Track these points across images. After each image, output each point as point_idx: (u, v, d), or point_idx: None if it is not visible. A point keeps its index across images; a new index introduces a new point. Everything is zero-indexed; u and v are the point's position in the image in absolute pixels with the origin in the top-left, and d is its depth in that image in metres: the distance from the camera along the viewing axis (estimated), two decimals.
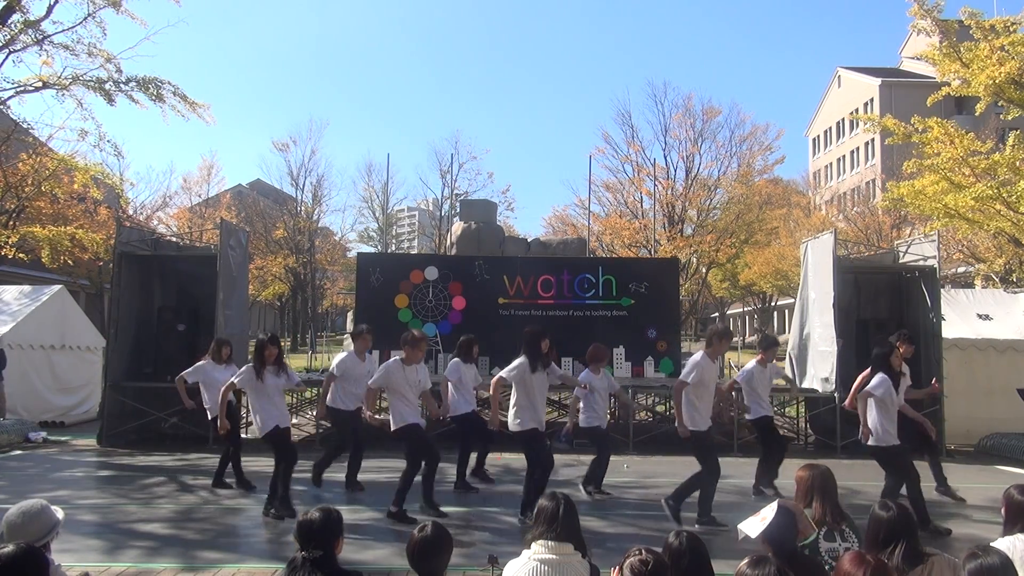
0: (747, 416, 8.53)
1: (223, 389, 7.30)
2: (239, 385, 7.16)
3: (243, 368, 7.28)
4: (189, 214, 36.70)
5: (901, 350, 7.26)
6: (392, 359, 7.09)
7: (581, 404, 8.17)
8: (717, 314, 55.50)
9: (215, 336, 11.12)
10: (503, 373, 6.99)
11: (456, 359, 8.62)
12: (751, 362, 8.60)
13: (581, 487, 8.13)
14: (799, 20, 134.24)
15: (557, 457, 10.02)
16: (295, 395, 15.23)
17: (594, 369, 8.15)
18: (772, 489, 8.30)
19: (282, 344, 7.69)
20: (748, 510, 3.76)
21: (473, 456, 8.63)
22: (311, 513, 3.20)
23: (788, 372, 13.37)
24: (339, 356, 8.45)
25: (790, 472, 4.87)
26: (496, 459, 9.65)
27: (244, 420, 12.25)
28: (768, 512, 3.28)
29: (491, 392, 7.24)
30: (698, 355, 7.04)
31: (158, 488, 8.52)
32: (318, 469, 8.22)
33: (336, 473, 8.55)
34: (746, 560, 2.77)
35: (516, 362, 6.91)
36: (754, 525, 3.24)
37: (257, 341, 7.34)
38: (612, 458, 8.47)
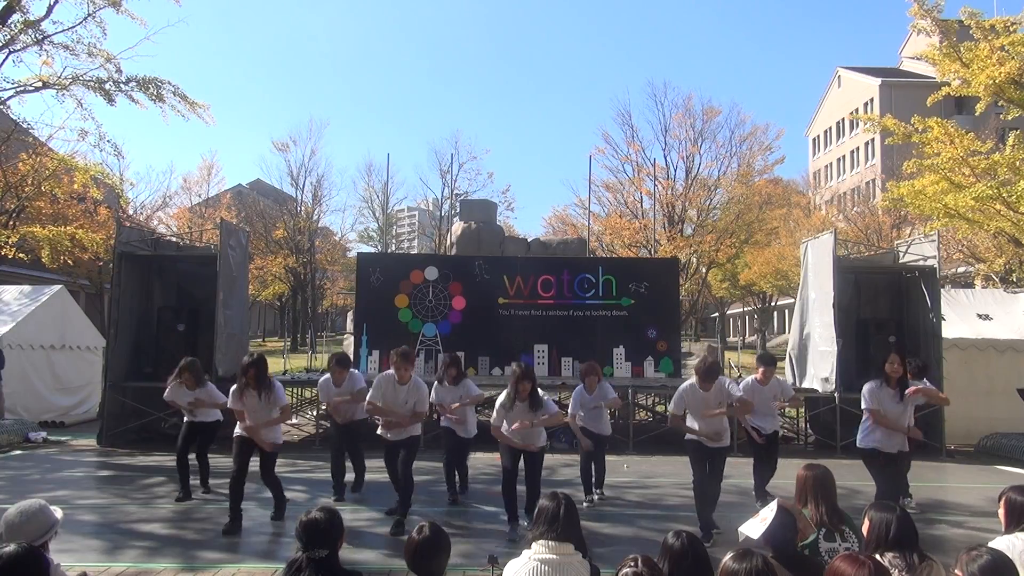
0: (749, 428, 8.09)
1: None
2: (231, 406, 6.93)
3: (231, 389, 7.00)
4: (189, 214, 36.68)
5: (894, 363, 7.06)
6: (386, 372, 6.99)
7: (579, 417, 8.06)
8: (717, 314, 55.51)
9: (215, 338, 11.17)
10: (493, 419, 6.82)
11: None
12: (751, 377, 8.45)
13: (595, 496, 8.07)
14: (799, 20, 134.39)
15: (557, 457, 10.07)
16: (295, 395, 15.23)
17: (588, 385, 7.97)
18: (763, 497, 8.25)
19: (265, 362, 7.12)
20: (748, 511, 3.76)
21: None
22: (314, 513, 3.19)
23: (788, 372, 13.38)
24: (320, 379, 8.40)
25: (789, 473, 4.86)
26: (495, 459, 9.64)
27: None
28: (768, 513, 3.28)
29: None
30: (686, 383, 6.90)
31: (158, 488, 8.51)
32: (357, 481, 8.22)
33: (326, 473, 8.56)
34: (730, 554, 2.75)
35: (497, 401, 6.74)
36: (755, 526, 3.22)
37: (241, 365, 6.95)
38: (612, 458, 8.41)
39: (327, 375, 8.24)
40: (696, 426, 6.80)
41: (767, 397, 8.07)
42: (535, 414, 6.56)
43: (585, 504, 7.78)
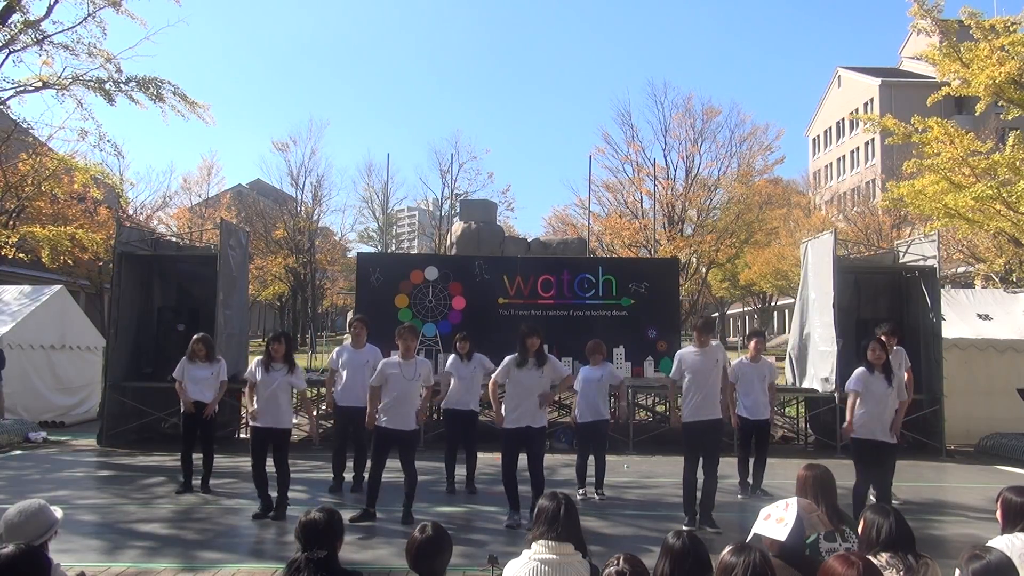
0: (739, 414, 8.39)
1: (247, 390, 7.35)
2: (248, 378, 7.32)
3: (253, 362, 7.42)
4: (189, 214, 36.66)
5: (884, 340, 7.15)
6: (386, 359, 7.13)
7: (577, 399, 8.19)
8: (717, 314, 55.54)
9: (215, 338, 11.18)
10: (494, 375, 7.11)
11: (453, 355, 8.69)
12: (741, 358, 8.63)
13: (594, 493, 8.12)
14: (799, 20, 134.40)
15: (557, 457, 10.07)
16: (294, 396, 15.23)
17: (593, 362, 8.20)
18: (746, 490, 8.34)
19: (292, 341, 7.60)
20: (749, 511, 3.75)
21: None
22: (313, 513, 3.19)
23: (788, 372, 13.38)
24: (336, 349, 8.63)
25: (790, 473, 4.87)
26: (495, 459, 9.64)
27: (243, 422, 12.25)
28: (781, 513, 3.24)
29: (490, 394, 7.27)
30: (683, 349, 7.25)
31: (158, 488, 8.51)
32: (357, 472, 8.28)
33: (326, 473, 8.62)
34: (729, 548, 2.74)
35: (505, 360, 6.96)
36: (774, 528, 3.18)
37: (267, 338, 7.48)
38: (612, 458, 8.45)
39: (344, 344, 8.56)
40: (692, 394, 6.85)
41: (756, 377, 8.29)
42: (541, 371, 6.79)
43: (579, 497, 7.90)
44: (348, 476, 8.41)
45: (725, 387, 7.29)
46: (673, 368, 7.13)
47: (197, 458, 8.25)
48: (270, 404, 7.08)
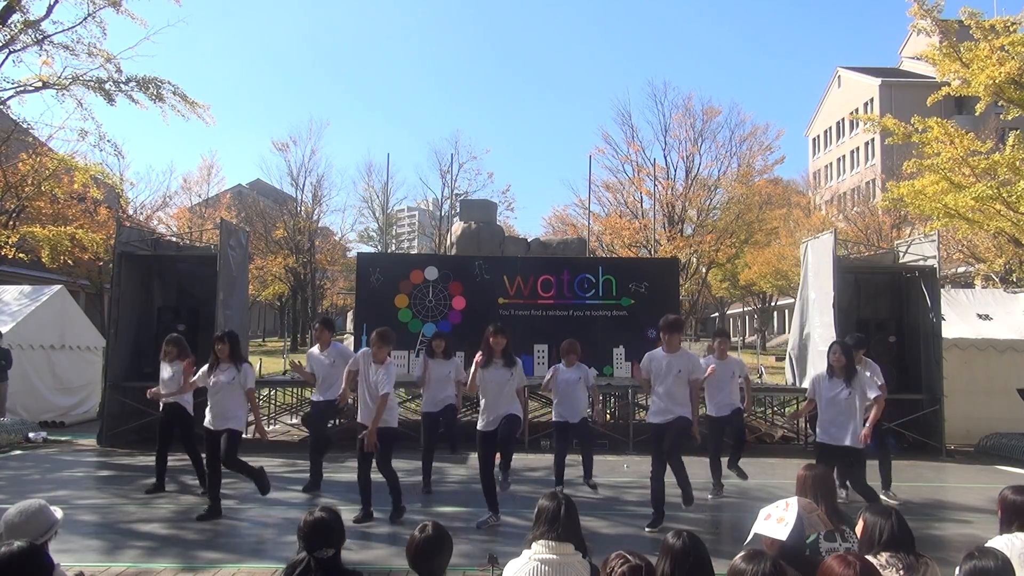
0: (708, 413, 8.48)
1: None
2: (198, 382, 7.24)
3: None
4: (189, 214, 36.67)
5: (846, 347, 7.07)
6: (365, 349, 7.08)
7: (555, 399, 8.18)
8: (717, 314, 55.54)
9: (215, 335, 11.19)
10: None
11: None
12: (708, 355, 8.68)
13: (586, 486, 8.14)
14: (799, 20, 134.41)
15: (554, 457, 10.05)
16: (295, 395, 15.24)
17: (567, 362, 8.06)
18: (719, 492, 8.33)
19: (238, 341, 7.33)
20: (748, 511, 3.75)
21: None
22: (317, 513, 3.19)
23: (788, 372, 13.38)
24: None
25: (790, 472, 4.86)
26: (497, 457, 9.62)
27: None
28: (782, 513, 3.23)
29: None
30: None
31: None
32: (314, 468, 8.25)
33: (334, 474, 8.61)
34: (741, 555, 2.72)
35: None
36: (774, 528, 3.17)
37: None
38: (612, 458, 8.44)
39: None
40: (655, 397, 6.90)
41: (725, 375, 8.29)
42: (510, 371, 6.75)
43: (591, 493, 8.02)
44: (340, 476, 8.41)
45: (693, 397, 7.02)
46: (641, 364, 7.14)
47: (185, 460, 8.25)
48: (216, 406, 6.95)
